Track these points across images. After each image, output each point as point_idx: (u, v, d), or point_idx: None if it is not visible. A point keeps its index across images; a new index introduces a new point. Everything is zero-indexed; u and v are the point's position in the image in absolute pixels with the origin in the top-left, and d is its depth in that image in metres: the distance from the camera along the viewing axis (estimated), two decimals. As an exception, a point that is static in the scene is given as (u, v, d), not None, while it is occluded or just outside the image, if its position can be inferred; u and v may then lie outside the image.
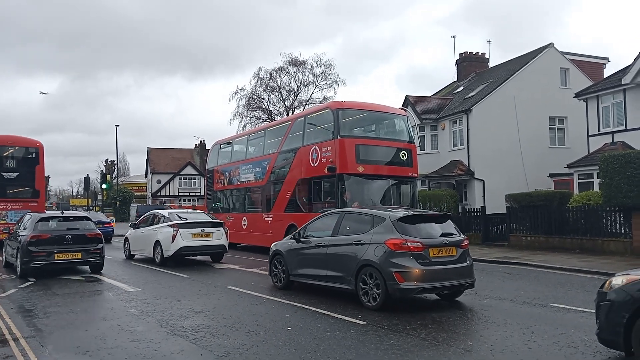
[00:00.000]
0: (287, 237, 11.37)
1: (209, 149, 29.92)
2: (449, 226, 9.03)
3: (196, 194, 66.08)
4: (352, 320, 7.67)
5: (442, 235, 8.68)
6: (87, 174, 45.80)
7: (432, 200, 25.22)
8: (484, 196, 26.18)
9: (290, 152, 17.90)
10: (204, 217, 16.89)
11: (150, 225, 16.60)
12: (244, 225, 20.55)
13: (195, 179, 68.05)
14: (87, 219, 14.45)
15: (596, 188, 19.59)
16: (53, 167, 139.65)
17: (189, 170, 68.23)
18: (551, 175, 24.99)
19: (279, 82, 46.68)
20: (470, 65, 34.66)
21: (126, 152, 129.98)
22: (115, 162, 61.50)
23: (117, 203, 46.41)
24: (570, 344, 6.31)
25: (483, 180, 26.37)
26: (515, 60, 30.51)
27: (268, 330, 7.18)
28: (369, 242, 8.66)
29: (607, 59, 32.25)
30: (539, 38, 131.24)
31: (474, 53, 35.40)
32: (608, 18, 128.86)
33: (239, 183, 21.52)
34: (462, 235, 8.99)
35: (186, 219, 15.78)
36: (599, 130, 21.84)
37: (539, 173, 25.45)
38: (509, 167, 25.99)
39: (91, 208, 47.46)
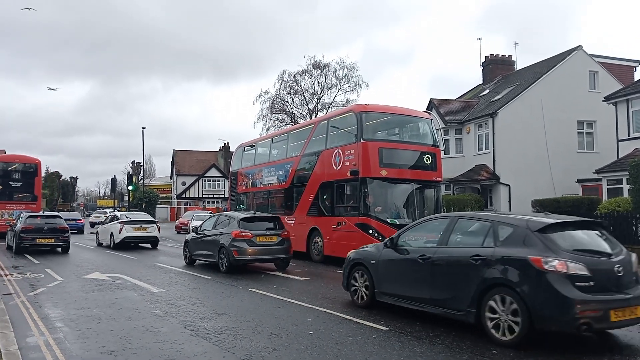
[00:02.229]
0: (192, 233, 17.01)
1: (232, 152, 30.23)
2: (277, 224, 14.82)
3: (220, 195, 66.61)
4: (374, 325, 7.63)
5: (268, 229, 14.39)
6: (114, 176, 46.65)
7: (456, 205, 24.94)
8: (509, 201, 25.80)
9: (313, 155, 17.91)
10: (144, 217, 24.55)
11: (110, 222, 23.83)
12: (267, 227, 20.61)
13: (219, 181, 68.60)
14: (59, 217, 21.96)
15: (626, 194, 19.12)
16: (81, 169, 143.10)
17: (213, 172, 68.81)
18: (579, 181, 24.48)
19: (302, 85, 46.84)
20: (497, 67, 34.21)
21: (152, 154, 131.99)
22: (142, 164, 62.48)
23: (143, 204, 47.03)
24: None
25: (509, 185, 26.00)
26: (542, 62, 30.03)
27: (290, 333, 7.19)
28: (225, 232, 14.22)
29: (637, 61, 31.51)
30: (563, 42, 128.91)
31: (499, 55, 34.96)
32: (637, 20, 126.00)
33: (262, 185, 21.62)
34: (284, 229, 14.77)
35: (130, 218, 23.16)
36: (628, 135, 21.34)
37: (566, 178, 24.97)
38: (535, 172, 25.57)
39: (118, 208, 48.27)
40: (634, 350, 6.55)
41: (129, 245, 22.24)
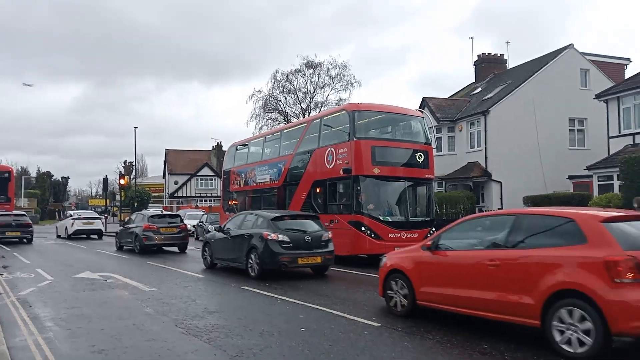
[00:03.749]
0: (120, 227, 24.34)
1: (225, 151, 30.21)
2: (177, 219, 20.63)
3: (213, 194, 66.36)
4: (366, 322, 7.63)
5: (170, 223, 19.90)
6: (106, 175, 46.19)
7: (448, 202, 25.03)
8: (501, 198, 25.90)
9: (306, 153, 17.88)
10: (91, 214, 32.64)
11: (65, 219, 30.77)
12: (260, 226, 20.61)
13: (212, 179, 68.36)
14: (24, 215, 27.13)
15: (616, 190, 19.24)
16: (73, 169, 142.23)
17: (205, 171, 68.56)
18: (570, 177, 24.62)
19: (295, 84, 46.72)
20: (489, 66, 34.25)
21: (146, 153, 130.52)
22: (134, 163, 62.12)
23: (135, 203, 46.77)
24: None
25: (500, 182, 26.10)
26: (534, 61, 30.14)
27: (282, 331, 7.18)
28: (139, 225, 19.56)
29: (628, 59, 31.72)
30: (553, 43, 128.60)
31: (492, 54, 35.04)
32: (628, 18, 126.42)
33: (255, 184, 21.57)
34: (183, 223, 20.50)
35: (80, 215, 30.28)
36: (619, 132, 21.46)
37: (557, 175, 25.10)
38: (527, 168, 25.68)
39: (109, 208, 48.03)
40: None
41: (80, 236, 28.60)
